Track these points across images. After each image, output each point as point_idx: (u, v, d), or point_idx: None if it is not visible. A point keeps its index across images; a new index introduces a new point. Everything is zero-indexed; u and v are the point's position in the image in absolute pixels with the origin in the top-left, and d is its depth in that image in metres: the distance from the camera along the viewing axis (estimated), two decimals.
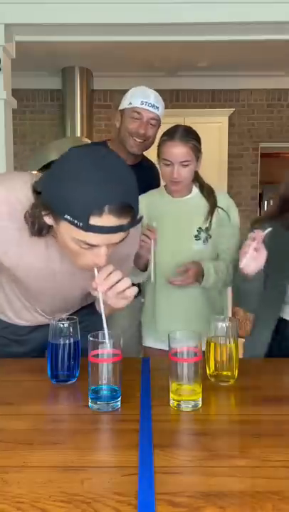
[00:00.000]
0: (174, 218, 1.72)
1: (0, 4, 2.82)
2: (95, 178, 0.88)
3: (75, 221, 0.89)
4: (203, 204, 1.72)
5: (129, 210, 0.91)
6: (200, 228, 1.70)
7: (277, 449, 0.82)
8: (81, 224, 0.89)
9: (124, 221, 0.91)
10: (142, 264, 1.67)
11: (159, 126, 1.85)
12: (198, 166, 1.72)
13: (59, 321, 1.11)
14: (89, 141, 4.73)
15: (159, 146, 1.69)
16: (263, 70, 4.98)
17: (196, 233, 1.69)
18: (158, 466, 0.76)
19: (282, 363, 1.31)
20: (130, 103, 1.79)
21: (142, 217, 0.97)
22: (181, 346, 0.99)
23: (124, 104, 1.82)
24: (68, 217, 0.89)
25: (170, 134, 1.64)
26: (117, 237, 0.94)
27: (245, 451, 0.81)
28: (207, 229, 1.70)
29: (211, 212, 1.70)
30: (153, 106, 1.79)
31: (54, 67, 4.86)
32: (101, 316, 1.01)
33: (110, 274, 1.01)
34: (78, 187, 0.88)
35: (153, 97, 1.80)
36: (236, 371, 1.11)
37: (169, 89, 5.14)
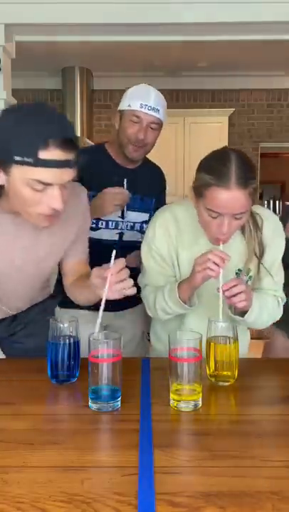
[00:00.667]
0: None
1: (0, 4, 2.82)
2: (36, 119, 0.97)
3: (25, 158, 0.95)
4: (244, 243, 1.36)
5: (72, 144, 0.99)
6: (239, 270, 1.36)
7: (278, 449, 0.82)
8: (31, 160, 0.95)
9: (69, 156, 0.99)
10: (187, 293, 1.31)
11: (160, 129, 1.70)
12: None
13: (59, 321, 1.11)
14: (90, 142, 4.74)
15: (200, 184, 1.22)
16: (263, 70, 4.98)
17: (235, 276, 1.34)
18: (158, 466, 0.76)
19: (283, 362, 1.31)
20: (129, 105, 1.64)
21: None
22: (181, 346, 0.99)
23: (123, 105, 1.68)
24: (17, 157, 0.95)
25: (220, 176, 1.16)
26: (66, 174, 1.00)
27: (245, 451, 0.81)
28: (249, 270, 1.37)
29: (256, 255, 1.36)
30: (153, 109, 1.63)
31: (54, 67, 4.86)
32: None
33: (122, 270, 1.06)
34: (22, 128, 0.95)
35: (154, 98, 1.65)
36: (236, 371, 1.11)
37: (169, 89, 5.13)
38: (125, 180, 1.61)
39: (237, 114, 5.13)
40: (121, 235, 1.73)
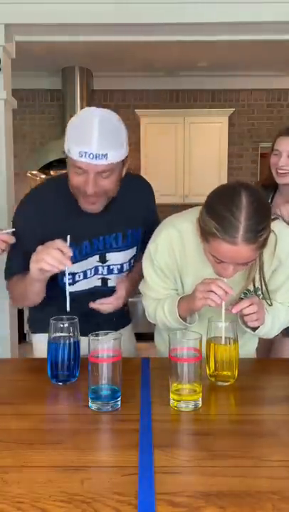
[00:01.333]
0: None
1: (0, 4, 2.82)
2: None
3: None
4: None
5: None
6: (248, 290, 1.30)
7: (277, 449, 0.82)
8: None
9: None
10: (187, 312, 1.30)
11: (121, 167, 1.29)
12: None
13: (59, 321, 1.11)
14: None
15: (205, 230, 1.13)
16: (263, 70, 4.98)
17: (243, 296, 1.30)
18: (158, 466, 0.76)
19: (283, 362, 1.31)
20: (68, 150, 1.22)
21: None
22: (181, 346, 0.99)
23: (65, 147, 1.24)
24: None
25: (226, 228, 1.06)
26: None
27: (245, 451, 0.81)
28: (257, 289, 1.30)
29: (260, 273, 1.28)
30: (97, 156, 1.17)
31: (54, 67, 4.86)
32: None
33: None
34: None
35: (97, 141, 1.17)
36: (236, 371, 1.11)
37: (169, 89, 5.14)
38: (68, 236, 1.24)
39: (237, 114, 5.12)
40: (104, 281, 1.45)
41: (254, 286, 1.29)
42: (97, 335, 0.99)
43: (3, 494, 0.69)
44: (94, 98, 5.11)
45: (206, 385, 1.05)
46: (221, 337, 1.12)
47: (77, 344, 1.12)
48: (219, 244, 1.09)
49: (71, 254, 1.19)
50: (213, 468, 0.76)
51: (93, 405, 0.98)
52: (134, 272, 1.49)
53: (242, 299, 1.26)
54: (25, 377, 1.18)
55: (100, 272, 1.44)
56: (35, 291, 1.32)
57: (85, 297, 1.40)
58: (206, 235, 1.13)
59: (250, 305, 1.18)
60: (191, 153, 4.73)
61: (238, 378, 1.11)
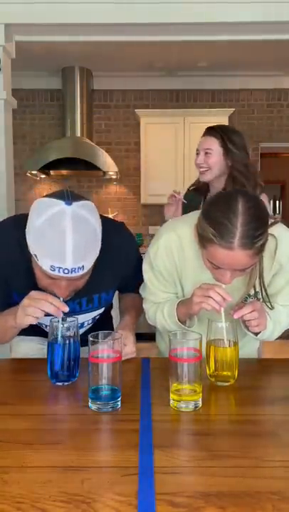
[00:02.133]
0: None
1: (0, 4, 2.82)
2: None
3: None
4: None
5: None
6: (248, 295, 1.30)
7: (277, 449, 0.82)
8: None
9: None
10: (186, 316, 1.30)
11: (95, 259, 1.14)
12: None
13: (58, 321, 1.11)
14: (90, 142, 4.74)
15: (202, 236, 1.13)
16: (263, 70, 4.98)
17: (244, 301, 1.29)
18: (158, 466, 0.76)
19: (283, 362, 1.31)
20: (36, 256, 1.07)
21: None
22: (181, 346, 0.99)
23: (30, 245, 1.09)
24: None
25: (223, 234, 1.06)
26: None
27: (245, 451, 0.81)
28: (257, 293, 1.29)
29: (260, 277, 1.26)
30: (72, 271, 1.06)
31: (54, 67, 4.86)
32: None
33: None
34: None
35: (71, 256, 1.04)
36: (236, 371, 1.11)
37: (169, 89, 5.14)
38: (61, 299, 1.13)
39: (237, 114, 5.12)
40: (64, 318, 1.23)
41: (254, 290, 1.29)
42: (97, 335, 0.99)
43: (3, 494, 0.69)
44: (94, 98, 5.11)
45: (206, 385, 1.05)
46: (220, 339, 1.11)
47: (77, 344, 1.12)
48: (216, 250, 1.09)
49: (67, 309, 1.11)
50: (213, 469, 0.76)
51: (93, 405, 0.98)
52: (131, 310, 1.44)
53: (243, 303, 1.25)
54: (25, 377, 1.18)
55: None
56: (10, 335, 1.28)
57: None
58: (203, 241, 1.13)
59: (251, 311, 1.17)
60: (191, 153, 4.71)
61: (238, 378, 1.12)
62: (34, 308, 1.11)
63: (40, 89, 5.14)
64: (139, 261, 1.41)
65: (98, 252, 1.12)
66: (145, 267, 1.37)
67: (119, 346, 0.99)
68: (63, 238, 1.03)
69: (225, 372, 1.11)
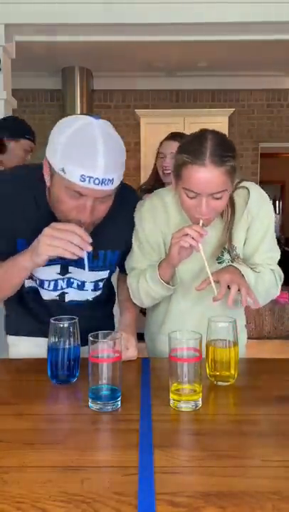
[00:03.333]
0: None
1: (0, 4, 2.83)
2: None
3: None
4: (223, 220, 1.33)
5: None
6: (224, 249, 1.34)
7: (277, 449, 0.82)
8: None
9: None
10: (168, 273, 1.30)
11: (116, 191, 1.14)
12: (232, 188, 1.26)
13: (59, 321, 1.11)
14: None
15: (177, 165, 1.21)
16: (263, 70, 4.99)
17: (219, 255, 1.34)
18: (158, 466, 0.76)
19: (282, 362, 1.31)
20: (63, 170, 1.03)
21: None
22: (181, 346, 0.99)
23: (54, 161, 1.06)
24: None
25: (195, 154, 1.15)
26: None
27: (245, 451, 0.81)
28: (233, 248, 1.33)
29: (228, 229, 1.32)
30: (103, 182, 1.03)
31: (54, 67, 4.86)
32: None
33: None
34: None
35: (104, 163, 1.02)
36: (236, 371, 1.11)
37: (169, 89, 5.14)
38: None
39: (237, 114, 5.13)
40: (62, 295, 1.33)
41: (229, 247, 1.34)
42: (97, 335, 0.99)
43: (3, 494, 0.69)
44: (94, 98, 5.11)
45: (206, 385, 1.05)
46: (220, 340, 1.11)
47: (77, 344, 1.12)
48: (190, 170, 1.16)
49: (90, 240, 1.06)
50: (213, 468, 0.76)
51: (93, 405, 0.98)
52: (130, 306, 1.43)
53: (219, 263, 1.33)
54: (25, 377, 1.18)
55: (58, 287, 1.31)
56: (17, 281, 1.19)
57: (44, 309, 1.35)
58: (178, 170, 1.21)
59: (236, 288, 1.19)
60: None
61: (238, 378, 1.11)
62: (59, 240, 1.04)
63: (40, 89, 5.15)
64: None
65: (122, 175, 1.11)
66: (134, 235, 1.39)
67: (119, 346, 0.99)
68: (94, 145, 1.01)
69: (225, 372, 1.11)
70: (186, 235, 1.19)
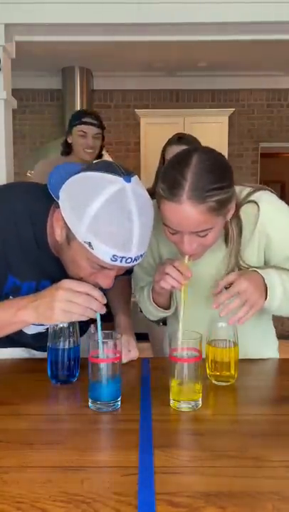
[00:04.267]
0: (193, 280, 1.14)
1: (0, 4, 2.82)
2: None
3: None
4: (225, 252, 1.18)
5: None
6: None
7: (278, 449, 0.82)
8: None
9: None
10: (163, 301, 1.25)
11: None
12: (227, 216, 1.07)
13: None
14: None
15: (157, 194, 1.04)
16: (263, 70, 4.98)
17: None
18: (158, 466, 0.76)
19: (283, 362, 1.31)
20: (90, 245, 0.92)
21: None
22: (181, 346, 0.99)
23: (78, 232, 0.94)
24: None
25: (172, 186, 0.98)
26: None
27: (245, 451, 0.81)
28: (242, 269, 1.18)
29: (235, 254, 1.16)
30: (135, 259, 0.96)
31: (54, 67, 4.86)
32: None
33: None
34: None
35: (137, 244, 0.93)
36: (236, 371, 1.11)
37: (169, 89, 5.14)
38: None
39: (237, 114, 5.12)
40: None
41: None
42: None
43: (3, 494, 0.69)
44: (94, 98, 5.11)
45: (206, 385, 1.05)
46: (220, 340, 1.11)
47: (77, 344, 1.12)
48: (165, 206, 0.99)
49: (105, 301, 0.96)
50: (213, 468, 0.76)
51: (93, 405, 0.98)
52: (124, 305, 1.41)
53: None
54: (25, 377, 1.17)
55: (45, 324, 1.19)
56: (8, 332, 1.07)
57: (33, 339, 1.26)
58: (158, 201, 1.03)
59: (232, 295, 1.03)
60: None
61: (238, 378, 1.11)
62: (76, 306, 0.93)
63: (40, 89, 5.14)
64: None
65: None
66: None
67: (119, 346, 0.99)
68: (129, 220, 0.89)
69: (225, 372, 1.11)
70: (167, 274, 1.05)
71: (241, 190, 1.16)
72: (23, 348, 1.36)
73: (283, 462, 0.78)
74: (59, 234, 0.99)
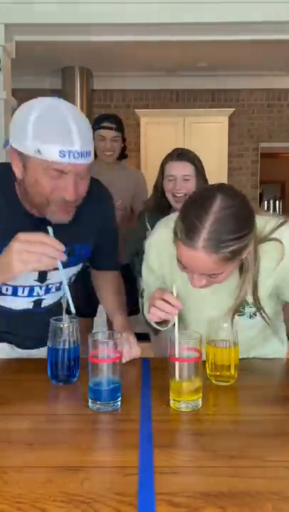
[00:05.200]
0: (201, 297, 1.22)
1: (0, 4, 2.83)
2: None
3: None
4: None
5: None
6: (246, 304, 1.20)
7: (278, 449, 0.82)
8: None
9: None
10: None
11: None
12: (242, 258, 1.08)
13: (59, 321, 1.11)
14: None
15: (174, 229, 1.08)
16: (263, 70, 4.99)
17: (240, 308, 1.20)
18: (158, 466, 0.76)
19: (283, 362, 1.31)
20: (39, 151, 1.02)
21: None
22: (181, 346, 0.99)
23: (26, 146, 1.03)
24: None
25: (189, 229, 0.98)
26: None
27: (245, 451, 0.81)
28: (256, 300, 1.17)
29: (250, 281, 1.15)
30: (81, 155, 1.03)
31: (54, 67, 4.86)
32: None
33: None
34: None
35: (78, 137, 1.02)
36: (236, 371, 1.11)
37: (169, 89, 5.14)
38: (50, 228, 1.06)
39: (237, 114, 5.13)
40: (38, 302, 1.29)
41: (258, 303, 1.18)
42: (97, 335, 0.99)
43: (3, 494, 0.69)
44: (94, 98, 5.11)
45: (206, 385, 1.05)
46: (220, 340, 1.11)
47: (77, 344, 1.12)
48: (180, 247, 1.01)
49: (63, 248, 1.01)
50: (213, 468, 0.76)
51: (93, 405, 0.98)
52: (119, 304, 1.43)
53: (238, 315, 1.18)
54: (25, 377, 1.18)
55: (34, 294, 1.26)
56: None
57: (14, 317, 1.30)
58: (175, 237, 1.05)
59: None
60: None
61: (238, 378, 1.11)
62: (31, 253, 0.98)
63: (40, 89, 5.14)
64: (116, 230, 1.44)
65: (93, 146, 1.10)
66: (144, 259, 1.37)
67: (119, 346, 0.99)
68: (66, 122, 1.02)
69: (225, 372, 1.11)
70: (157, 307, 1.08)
71: (265, 224, 1.14)
72: (8, 344, 1.36)
73: (283, 462, 0.78)
74: (19, 171, 1.09)
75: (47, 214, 1.11)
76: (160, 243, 1.28)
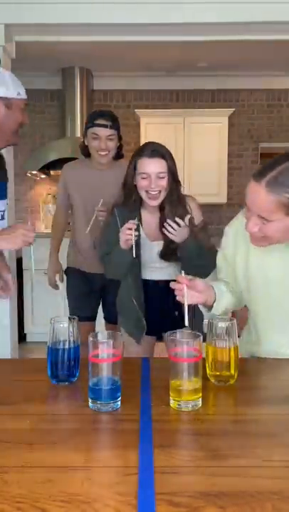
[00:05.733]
0: None
1: (0, 4, 2.82)
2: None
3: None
4: None
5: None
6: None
7: (278, 449, 0.82)
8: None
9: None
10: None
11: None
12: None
13: (58, 321, 1.11)
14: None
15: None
16: (263, 70, 4.98)
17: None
18: (158, 466, 0.76)
19: (282, 362, 1.31)
20: (19, 93, 1.71)
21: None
22: (181, 346, 0.99)
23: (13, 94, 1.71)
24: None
25: (259, 171, 1.19)
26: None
27: (245, 451, 0.81)
28: None
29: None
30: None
31: (54, 67, 4.86)
32: None
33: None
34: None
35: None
36: (236, 371, 1.11)
37: (169, 89, 5.13)
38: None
39: (237, 114, 5.12)
40: None
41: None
42: (97, 335, 0.99)
43: (3, 494, 0.69)
44: (94, 98, 5.11)
45: (206, 385, 1.05)
46: (220, 339, 1.11)
47: (77, 344, 1.12)
48: (250, 184, 1.19)
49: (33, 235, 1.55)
50: (213, 468, 0.76)
51: (93, 405, 0.98)
52: None
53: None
54: (25, 377, 1.18)
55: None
56: None
57: None
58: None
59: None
60: (191, 153, 4.73)
61: (238, 378, 1.11)
62: (16, 233, 1.55)
63: (40, 89, 5.13)
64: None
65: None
66: (219, 251, 1.52)
67: (119, 346, 0.99)
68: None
69: (225, 372, 1.11)
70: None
71: None
72: None
73: (283, 462, 0.78)
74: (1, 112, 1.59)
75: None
76: (238, 232, 1.40)
